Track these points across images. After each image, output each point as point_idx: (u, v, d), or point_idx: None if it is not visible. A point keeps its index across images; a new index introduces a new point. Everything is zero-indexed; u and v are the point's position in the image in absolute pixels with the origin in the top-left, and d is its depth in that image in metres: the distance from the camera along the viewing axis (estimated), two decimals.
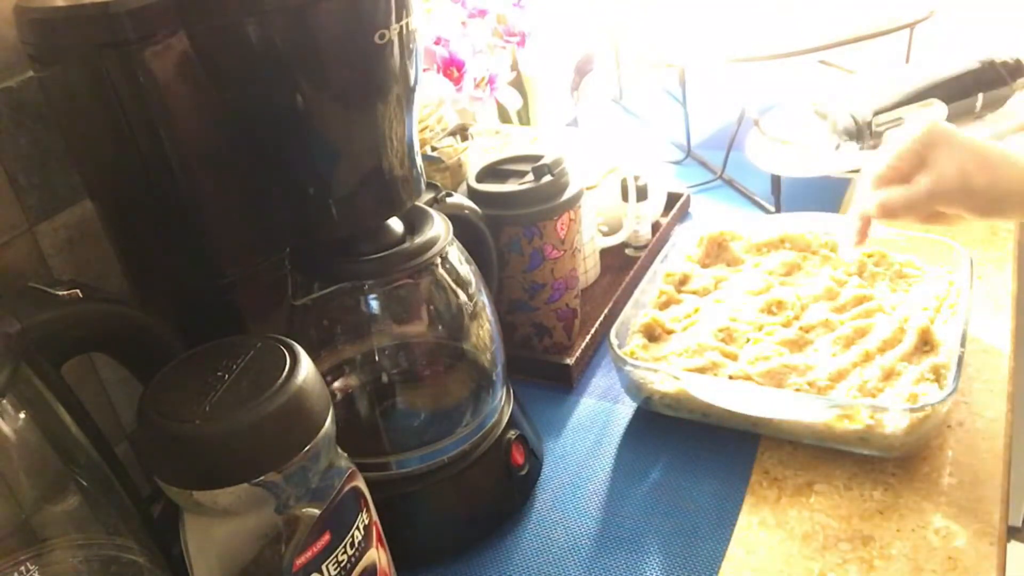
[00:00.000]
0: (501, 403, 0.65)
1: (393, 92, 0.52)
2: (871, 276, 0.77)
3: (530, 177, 0.73)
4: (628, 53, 1.35)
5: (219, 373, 0.44)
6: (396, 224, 0.59)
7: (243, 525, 0.43)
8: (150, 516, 0.53)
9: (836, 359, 0.68)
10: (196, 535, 0.43)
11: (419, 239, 0.58)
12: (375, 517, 0.50)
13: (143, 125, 0.49)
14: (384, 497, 0.53)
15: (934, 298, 0.73)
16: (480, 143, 0.96)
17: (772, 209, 0.99)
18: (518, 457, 0.64)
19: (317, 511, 0.43)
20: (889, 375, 0.66)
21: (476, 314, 0.63)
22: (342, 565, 0.45)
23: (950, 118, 0.90)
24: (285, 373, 0.43)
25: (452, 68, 0.98)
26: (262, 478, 0.41)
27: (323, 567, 0.44)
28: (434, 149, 0.84)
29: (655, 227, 0.95)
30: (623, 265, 0.91)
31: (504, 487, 0.64)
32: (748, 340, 0.72)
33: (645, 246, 0.93)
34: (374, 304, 0.59)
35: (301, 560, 0.43)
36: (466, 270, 0.62)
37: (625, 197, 0.90)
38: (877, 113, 0.90)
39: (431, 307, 0.62)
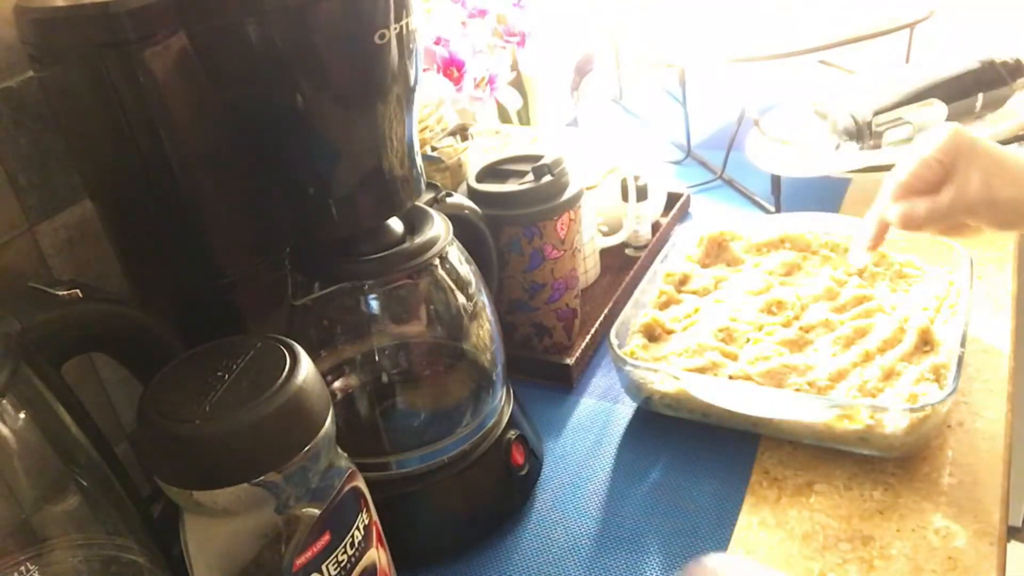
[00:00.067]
0: (501, 403, 0.65)
1: (393, 92, 0.52)
2: (871, 276, 0.77)
3: (530, 177, 0.73)
4: (628, 53, 1.35)
5: (219, 373, 0.44)
6: (396, 224, 0.59)
7: (243, 525, 0.43)
8: (150, 516, 0.53)
9: (836, 359, 0.68)
10: (196, 535, 0.43)
11: (419, 239, 0.58)
12: (375, 517, 0.50)
13: (143, 125, 0.49)
14: (384, 497, 0.53)
15: (934, 298, 0.73)
16: (480, 143, 0.96)
17: (772, 209, 0.99)
18: (518, 457, 0.64)
19: (317, 511, 0.43)
20: (889, 375, 0.66)
21: (476, 314, 0.63)
22: (342, 565, 0.45)
23: (950, 118, 0.90)
24: (285, 373, 0.43)
25: (452, 68, 0.98)
26: (262, 478, 0.41)
27: (323, 567, 0.44)
28: (434, 149, 0.84)
29: (655, 227, 0.95)
30: (623, 265, 0.91)
31: (504, 487, 0.64)
32: (748, 340, 0.72)
33: (645, 246, 0.93)
34: (374, 304, 0.59)
35: (301, 560, 0.43)
36: (466, 270, 0.62)
37: (625, 197, 0.90)
38: (877, 113, 0.90)
39: (431, 307, 0.62)
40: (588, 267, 0.88)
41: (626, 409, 0.74)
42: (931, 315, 0.70)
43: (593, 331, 0.81)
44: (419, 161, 0.58)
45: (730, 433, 0.68)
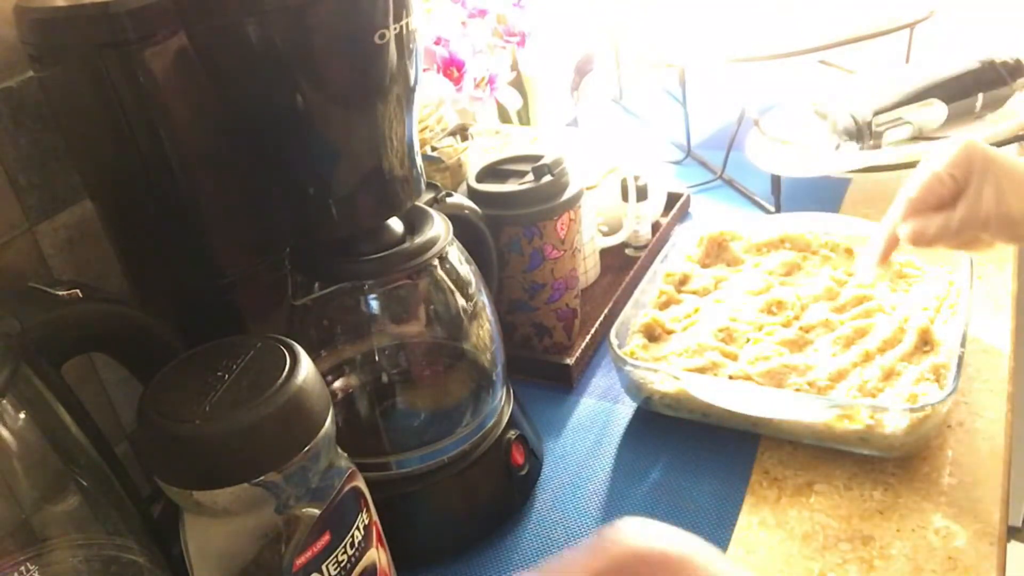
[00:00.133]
0: (501, 403, 0.65)
1: (393, 92, 0.52)
2: None
3: (530, 177, 0.73)
4: (628, 53, 1.35)
5: (219, 373, 0.44)
6: (396, 224, 0.59)
7: (243, 525, 0.43)
8: (150, 516, 0.53)
9: (836, 359, 0.68)
10: (196, 535, 0.43)
11: (419, 239, 0.58)
12: (375, 517, 0.50)
13: (143, 125, 0.49)
14: (384, 497, 0.53)
15: (934, 298, 0.73)
16: (480, 143, 0.96)
17: (772, 209, 0.99)
18: (518, 457, 0.64)
19: (317, 511, 0.43)
20: (889, 375, 0.66)
21: (476, 314, 0.63)
22: (342, 565, 0.45)
23: (950, 118, 0.90)
24: (285, 373, 0.43)
25: (452, 68, 0.98)
26: (262, 478, 0.41)
27: (323, 567, 0.44)
28: (434, 149, 0.84)
29: (655, 227, 0.95)
30: (623, 265, 0.91)
31: (504, 487, 0.64)
32: (748, 340, 0.72)
33: (645, 246, 0.93)
34: (374, 304, 0.59)
35: (301, 560, 0.43)
36: (466, 270, 0.62)
37: (625, 197, 0.90)
38: (877, 113, 0.90)
39: (431, 307, 0.62)
40: (588, 267, 0.88)
41: (626, 409, 0.74)
42: (931, 315, 0.70)
43: (593, 331, 0.81)
44: (419, 161, 0.58)
45: (730, 433, 0.68)
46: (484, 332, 0.65)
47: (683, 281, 0.81)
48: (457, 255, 0.62)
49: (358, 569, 0.47)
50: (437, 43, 0.97)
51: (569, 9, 1.29)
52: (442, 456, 0.61)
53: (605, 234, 0.92)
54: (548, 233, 0.73)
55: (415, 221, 0.60)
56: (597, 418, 0.73)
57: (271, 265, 0.58)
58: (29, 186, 0.58)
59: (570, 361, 0.77)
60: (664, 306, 0.78)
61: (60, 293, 0.48)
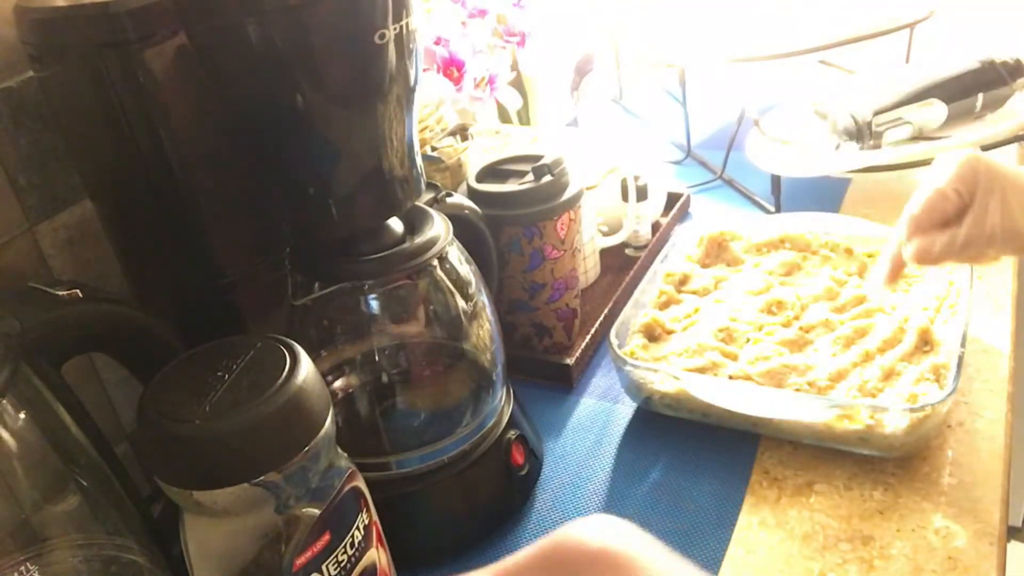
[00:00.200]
0: (501, 403, 0.65)
1: (393, 92, 0.52)
2: None
3: (530, 177, 0.73)
4: (628, 53, 1.35)
5: (219, 373, 0.44)
6: (396, 224, 0.59)
7: (243, 525, 0.43)
8: (150, 516, 0.53)
9: (836, 359, 0.68)
10: (196, 535, 0.43)
11: (419, 239, 0.58)
12: (375, 517, 0.50)
13: (143, 125, 0.49)
14: (384, 497, 0.53)
15: (934, 298, 0.73)
16: (480, 143, 0.96)
17: (772, 209, 0.99)
18: (518, 457, 0.64)
19: (317, 511, 0.43)
20: (889, 375, 0.66)
21: (476, 314, 0.63)
22: (342, 565, 0.45)
23: (950, 118, 0.90)
24: (285, 373, 0.43)
25: (452, 68, 0.98)
26: (262, 478, 0.41)
27: (323, 567, 0.44)
28: (434, 149, 0.84)
29: (655, 227, 0.95)
30: (623, 265, 0.91)
31: (504, 487, 0.64)
32: (748, 340, 0.72)
33: (645, 246, 0.93)
34: (374, 304, 0.59)
35: (301, 560, 0.43)
36: (466, 270, 0.62)
37: (625, 197, 0.90)
38: (877, 113, 0.90)
39: (431, 307, 0.62)
40: (588, 267, 0.88)
41: (626, 409, 0.74)
42: (931, 315, 0.70)
43: (593, 331, 0.81)
44: (419, 161, 0.58)
45: (730, 433, 0.68)
46: (484, 332, 0.65)
47: (683, 281, 0.81)
48: (457, 255, 0.62)
49: (358, 569, 0.47)
50: (437, 43, 0.97)
51: (569, 9, 1.29)
52: (442, 456, 0.61)
53: (605, 234, 0.92)
54: (548, 233, 0.73)
55: (415, 221, 0.60)
56: (597, 418, 0.73)
57: (271, 265, 0.58)
58: (29, 186, 0.58)
59: (570, 361, 0.77)
60: (664, 306, 0.78)
61: (60, 293, 0.48)
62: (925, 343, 0.68)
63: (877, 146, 0.90)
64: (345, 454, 0.48)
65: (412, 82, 0.54)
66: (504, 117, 1.16)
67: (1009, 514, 0.61)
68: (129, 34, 0.46)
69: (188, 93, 0.49)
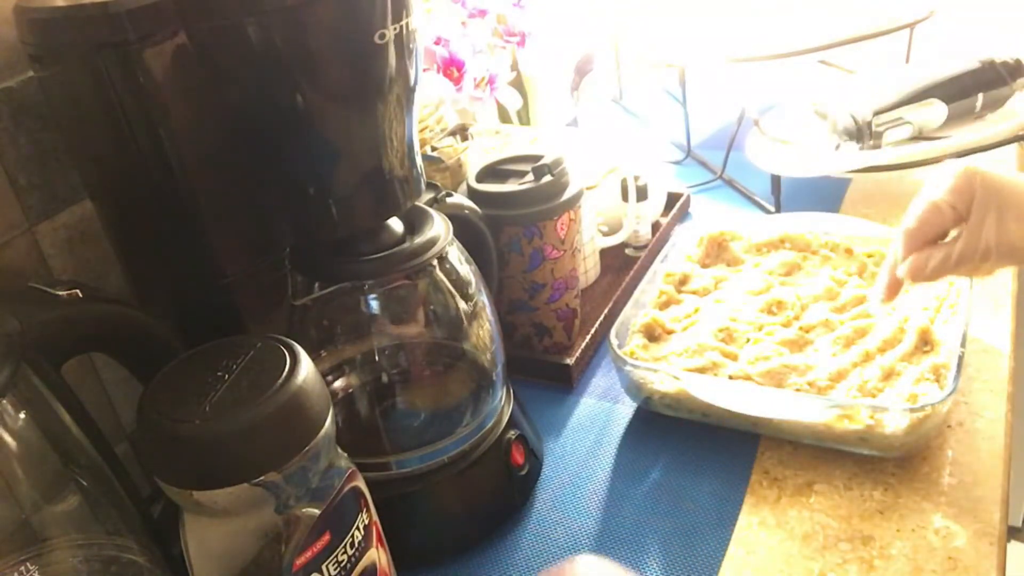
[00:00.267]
0: (501, 403, 0.65)
1: (393, 92, 0.52)
2: (871, 276, 0.77)
3: (530, 177, 0.73)
4: (628, 53, 1.35)
5: (219, 373, 0.44)
6: (396, 224, 0.59)
7: (243, 525, 0.43)
8: (150, 516, 0.53)
9: (836, 359, 0.68)
10: (196, 535, 0.43)
11: (419, 239, 0.58)
12: (375, 517, 0.50)
13: (143, 125, 0.49)
14: (384, 497, 0.53)
15: (934, 298, 0.73)
16: (480, 143, 0.96)
17: (772, 209, 0.99)
18: (518, 457, 0.64)
19: (317, 511, 0.43)
20: (889, 375, 0.66)
21: (476, 314, 0.63)
22: (342, 565, 0.45)
23: (950, 118, 0.90)
24: (285, 373, 0.43)
25: (452, 68, 0.98)
26: (262, 478, 0.41)
27: (323, 567, 0.44)
28: (434, 149, 0.84)
29: (655, 227, 0.95)
30: (623, 265, 0.91)
31: (504, 487, 0.64)
32: (748, 340, 0.72)
33: (645, 246, 0.93)
34: (374, 304, 0.59)
35: (301, 560, 0.43)
36: (466, 270, 0.62)
37: (625, 197, 0.90)
38: (877, 113, 0.90)
39: (431, 307, 0.62)
40: (588, 267, 0.88)
41: (626, 409, 0.74)
42: (931, 315, 0.70)
43: (593, 331, 0.81)
44: (419, 161, 0.58)
45: (730, 433, 0.68)
46: (484, 332, 0.65)
47: (683, 281, 0.81)
48: (457, 255, 0.62)
49: (358, 569, 0.47)
50: (437, 43, 0.97)
51: (569, 9, 1.29)
52: (442, 456, 0.61)
53: (605, 234, 0.92)
54: (548, 233, 0.73)
55: (415, 221, 0.60)
56: (597, 418, 0.73)
57: (271, 265, 0.58)
58: (29, 186, 0.58)
59: (570, 361, 0.77)
60: (664, 306, 0.78)
61: (60, 293, 0.48)
62: (925, 343, 0.68)
63: (877, 146, 0.90)
64: (345, 454, 0.48)
65: (412, 82, 0.54)
66: (504, 117, 1.16)
67: (1009, 514, 0.61)
68: (129, 34, 0.46)
69: (188, 93, 0.49)
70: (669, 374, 0.67)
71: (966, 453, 0.63)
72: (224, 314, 0.56)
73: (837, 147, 0.93)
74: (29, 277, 0.57)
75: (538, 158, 0.74)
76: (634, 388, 0.71)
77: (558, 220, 0.73)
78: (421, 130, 0.84)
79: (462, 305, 0.62)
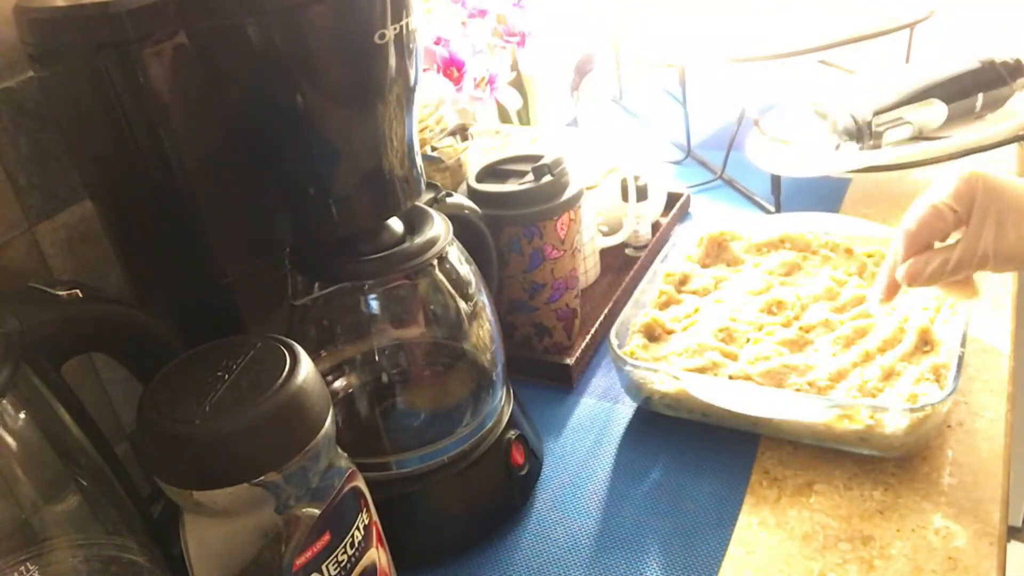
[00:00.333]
0: (501, 403, 0.65)
1: (393, 92, 0.52)
2: (871, 276, 0.77)
3: (530, 177, 0.73)
4: (628, 53, 1.35)
5: (219, 373, 0.44)
6: (396, 224, 0.59)
7: (243, 525, 0.43)
8: (150, 516, 0.53)
9: (836, 359, 0.68)
10: (196, 535, 0.43)
11: (419, 239, 0.58)
12: (375, 517, 0.50)
13: (143, 125, 0.49)
14: (384, 497, 0.53)
15: (934, 298, 0.73)
16: (480, 143, 0.96)
17: (772, 209, 0.99)
18: (518, 457, 0.64)
19: (317, 511, 0.43)
20: (889, 375, 0.66)
21: (476, 314, 0.63)
22: (342, 565, 0.45)
23: (950, 118, 0.90)
24: (285, 373, 0.43)
25: (452, 68, 0.98)
26: (262, 478, 0.41)
27: (323, 567, 0.44)
28: (434, 149, 0.84)
29: (655, 227, 0.95)
30: (623, 265, 0.91)
31: (504, 487, 0.64)
32: (748, 340, 0.72)
33: (645, 246, 0.93)
34: (374, 304, 0.59)
35: (301, 560, 0.43)
36: (466, 270, 0.62)
37: (625, 197, 0.90)
38: (877, 113, 0.90)
39: (431, 307, 0.62)
40: (588, 267, 0.88)
41: (626, 409, 0.74)
42: (931, 315, 0.70)
43: (593, 331, 0.81)
44: (419, 161, 0.58)
45: (730, 433, 0.68)
46: (484, 332, 0.65)
47: (683, 281, 0.81)
48: (457, 255, 0.62)
49: (358, 569, 0.47)
50: (437, 43, 0.97)
51: (569, 9, 1.29)
52: (442, 456, 0.61)
53: (605, 234, 0.92)
54: (548, 233, 0.73)
55: (415, 221, 0.60)
56: (597, 418, 0.73)
57: (271, 265, 0.58)
58: (29, 186, 0.58)
59: (570, 361, 0.77)
60: (664, 306, 0.78)
61: (60, 293, 0.48)
62: (925, 343, 0.68)
63: (877, 146, 0.90)
64: (345, 454, 0.48)
65: (412, 82, 0.54)
66: (504, 117, 1.16)
67: (1009, 514, 0.61)
68: (129, 34, 0.46)
69: (188, 93, 0.49)
70: (669, 374, 0.67)
71: (966, 453, 0.63)
72: (224, 314, 0.56)
73: (837, 147, 0.93)
74: (29, 277, 0.57)
75: (538, 158, 0.74)
76: (634, 388, 0.71)
77: (558, 220, 0.73)
78: (421, 130, 0.84)
79: (462, 305, 0.62)
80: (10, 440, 0.44)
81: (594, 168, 0.93)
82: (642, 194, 0.90)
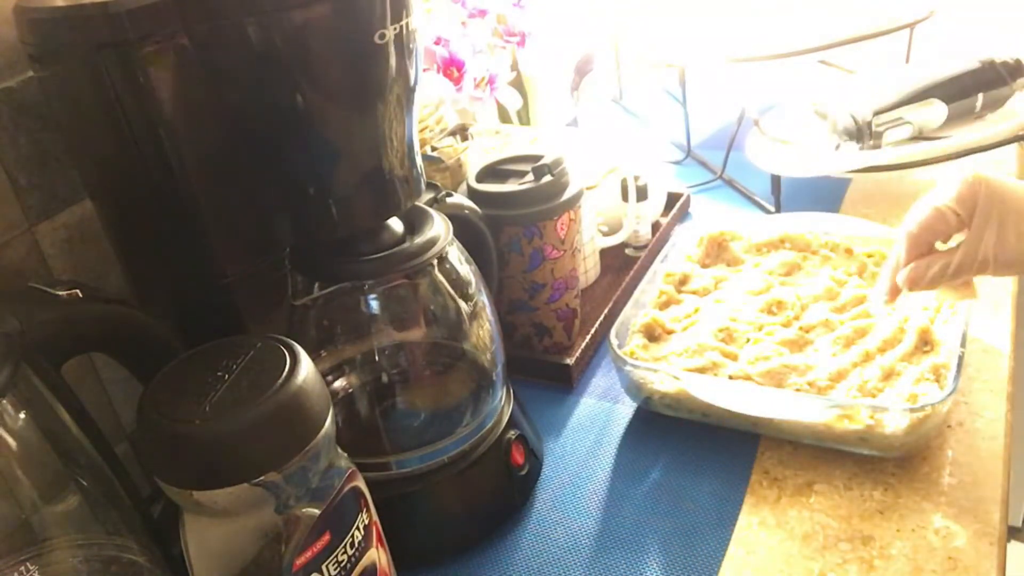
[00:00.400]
0: (501, 403, 0.65)
1: (393, 92, 0.52)
2: (871, 276, 0.77)
3: (530, 177, 0.73)
4: (628, 53, 1.35)
5: (219, 373, 0.44)
6: (396, 224, 0.59)
7: (243, 525, 0.43)
8: (150, 516, 0.53)
9: (836, 359, 0.68)
10: (196, 535, 0.43)
11: (419, 239, 0.58)
12: (375, 517, 0.50)
13: (143, 125, 0.49)
14: (384, 497, 0.53)
15: (934, 298, 0.72)
16: (480, 143, 0.96)
17: (772, 209, 0.99)
18: (518, 457, 0.64)
19: (317, 511, 0.43)
20: (889, 375, 0.66)
21: (476, 314, 0.63)
22: (342, 565, 0.45)
23: (950, 118, 0.90)
24: (285, 373, 0.43)
25: (452, 68, 0.98)
26: (262, 478, 0.41)
27: (323, 567, 0.44)
28: (434, 149, 0.84)
29: (655, 227, 0.95)
30: (623, 265, 0.91)
31: (504, 487, 0.64)
32: (748, 340, 0.72)
33: (645, 246, 0.93)
34: (374, 304, 0.59)
35: (301, 560, 0.43)
36: (466, 270, 0.62)
37: (625, 197, 0.90)
38: (877, 113, 0.90)
39: (431, 307, 0.62)
40: (588, 267, 0.88)
41: (626, 409, 0.74)
42: (931, 315, 0.70)
43: (593, 331, 0.81)
44: (419, 161, 0.58)
45: (730, 433, 0.68)
46: (484, 332, 0.65)
47: (683, 281, 0.81)
48: (457, 255, 0.62)
49: (358, 569, 0.47)
50: (437, 43, 0.97)
51: (569, 9, 1.29)
52: (442, 456, 0.61)
53: (605, 234, 0.92)
54: (548, 233, 0.73)
55: (415, 221, 0.60)
56: (597, 418, 0.73)
57: (271, 265, 0.58)
58: (29, 186, 0.58)
59: (570, 361, 0.77)
60: (664, 306, 0.78)
61: (60, 293, 0.48)
62: (925, 343, 0.68)
63: (877, 146, 0.90)
64: (345, 454, 0.48)
65: (412, 82, 0.54)
66: (504, 117, 1.16)
67: (1009, 514, 0.61)
68: (129, 34, 0.46)
69: (188, 93, 0.49)
70: (669, 374, 0.67)
71: (966, 453, 0.63)
72: (224, 314, 0.56)
73: (837, 147, 0.93)
74: (29, 277, 0.57)
75: (538, 158, 0.74)
76: (634, 388, 0.71)
77: (558, 220, 0.73)
78: (421, 130, 0.84)
79: (462, 305, 0.62)
80: (10, 440, 0.44)
81: (594, 168, 0.93)
82: (642, 194, 0.90)
